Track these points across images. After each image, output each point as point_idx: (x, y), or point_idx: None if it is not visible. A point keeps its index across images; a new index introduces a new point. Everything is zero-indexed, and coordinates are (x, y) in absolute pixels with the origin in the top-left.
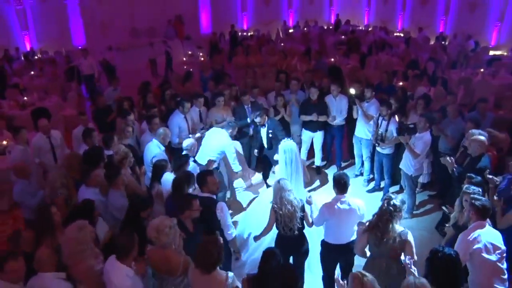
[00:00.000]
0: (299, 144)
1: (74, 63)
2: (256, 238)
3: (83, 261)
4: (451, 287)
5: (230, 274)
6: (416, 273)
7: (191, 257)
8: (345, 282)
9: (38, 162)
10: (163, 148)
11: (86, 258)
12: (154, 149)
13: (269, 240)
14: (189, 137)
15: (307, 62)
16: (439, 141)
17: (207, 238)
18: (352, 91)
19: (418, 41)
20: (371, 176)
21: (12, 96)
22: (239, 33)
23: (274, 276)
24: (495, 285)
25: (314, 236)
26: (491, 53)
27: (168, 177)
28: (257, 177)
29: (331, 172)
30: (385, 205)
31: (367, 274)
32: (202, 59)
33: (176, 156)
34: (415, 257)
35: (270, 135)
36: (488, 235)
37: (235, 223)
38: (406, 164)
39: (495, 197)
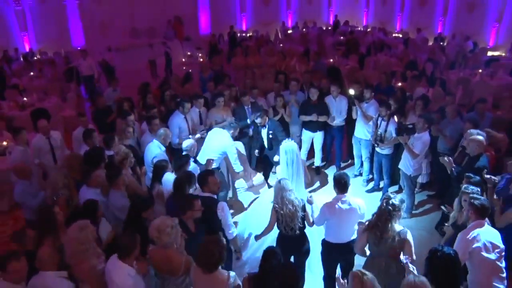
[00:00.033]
0: (299, 144)
1: (73, 63)
2: (257, 238)
3: (86, 261)
4: (451, 286)
5: (232, 273)
6: (415, 272)
7: (193, 257)
8: (346, 281)
9: (38, 163)
10: (163, 148)
11: (88, 258)
12: (155, 150)
13: (270, 240)
14: (189, 138)
15: (306, 63)
16: (438, 142)
17: (209, 238)
18: (352, 91)
19: (416, 42)
20: (370, 176)
21: (12, 97)
22: (238, 34)
23: (275, 275)
24: (494, 284)
25: (315, 236)
26: (489, 53)
27: (169, 177)
28: (259, 177)
29: (330, 172)
30: (384, 204)
31: (367, 272)
32: (201, 60)
33: (177, 156)
34: (414, 257)
35: (271, 136)
36: (487, 234)
37: (235, 223)
38: (405, 164)
39: (494, 197)
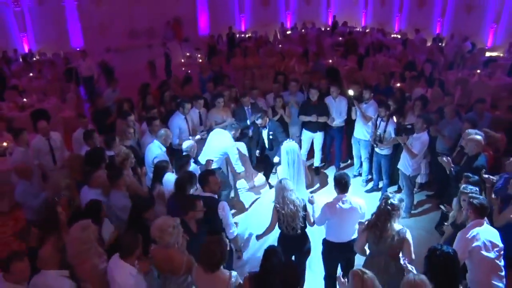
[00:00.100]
0: (298, 145)
1: (73, 64)
2: (259, 238)
3: (87, 260)
4: (450, 285)
5: (234, 273)
6: (414, 271)
7: (195, 257)
8: (346, 280)
9: (37, 164)
10: (164, 149)
11: (90, 257)
12: (156, 150)
13: (271, 239)
14: (189, 139)
15: (305, 64)
16: (437, 142)
17: (211, 238)
18: (351, 92)
19: (415, 43)
20: (370, 176)
21: (11, 98)
22: (237, 35)
23: (276, 274)
24: (493, 282)
25: (315, 236)
26: (488, 54)
27: (170, 177)
28: (260, 178)
29: (330, 172)
30: (383, 204)
31: (367, 271)
32: (200, 60)
33: (177, 156)
34: (413, 256)
35: (271, 137)
36: (486, 233)
37: (236, 224)
38: (404, 164)
39: (493, 196)
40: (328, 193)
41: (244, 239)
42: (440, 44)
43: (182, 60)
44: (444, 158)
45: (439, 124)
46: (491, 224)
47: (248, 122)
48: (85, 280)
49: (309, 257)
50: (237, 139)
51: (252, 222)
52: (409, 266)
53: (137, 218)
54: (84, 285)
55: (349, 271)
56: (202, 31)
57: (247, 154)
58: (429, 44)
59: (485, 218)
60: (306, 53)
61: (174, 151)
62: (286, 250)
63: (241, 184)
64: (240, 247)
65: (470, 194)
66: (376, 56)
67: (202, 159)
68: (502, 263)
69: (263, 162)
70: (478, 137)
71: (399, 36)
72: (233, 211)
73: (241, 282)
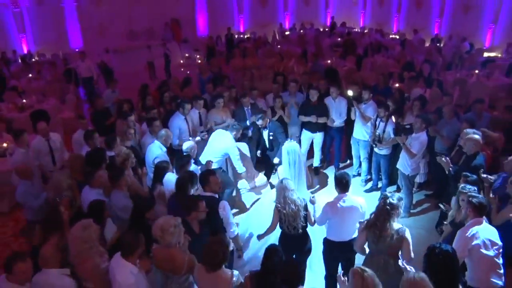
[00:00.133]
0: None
1: (72, 65)
2: (260, 237)
3: (89, 260)
4: (449, 283)
5: (235, 272)
6: (413, 271)
7: (197, 257)
8: (346, 278)
9: (37, 164)
10: (165, 149)
11: (92, 256)
12: (156, 150)
13: (273, 239)
14: (189, 140)
15: (304, 64)
16: (435, 142)
17: (213, 239)
18: (350, 93)
19: (413, 43)
20: (369, 176)
21: (11, 99)
22: (236, 36)
23: (277, 273)
24: (492, 280)
25: (315, 235)
26: (486, 54)
27: (170, 177)
28: (261, 178)
29: (329, 172)
30: (382, 204)
31: (367, 269)
32: (199, 61)
33: (178, 156)
34: (412, 254)
35: (271, 137)
36: (485, 232)
37: (237, 224)
38: (403, 164)
39: (491, 195)
40: (328, 193)
41: (245, 240)
42: (438, 44)
43: (181, 61)
44: (443, 158)
45: (438, 124)
46: (490, 223)
47: (248, 123)
48: (86, 279)
49: (310, 256)
50: (238, 139)
51: (253, 222)
52: (408, 267)
53: (138, 218)
54: (86, 284)
55: (349, 270)
56: (201, 32)
57: (249, 155)
58: (427, 44)
59: (484, 217)
60: (305, 53)
61: (174, 152)
62: (287, 250)
63: (243, 184)
64: (240, 246)
65: (469, 193)
66: (375, 56)
67: (203, 159)
68: (501, 261)
69: (264, 162)
70: (476, 136)
71: (397, 37)
72: (234, 211)
73: (243, 281)
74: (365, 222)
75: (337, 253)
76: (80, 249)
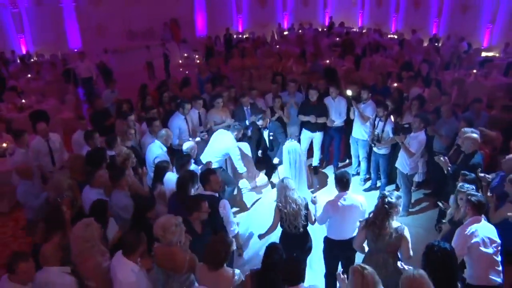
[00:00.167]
0: None
1: (71, 65)
2: (261, 237)
3: (91, 258)
4: (448, 281)
5: (237, 271)
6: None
7: (200, 257)
8: (345, 276)
9: (37, 165)
10: (165, 149)
11: (94, 255)
12: (156, 150)
13: (273, 238)
14: (189, 140)
15: (303, 64)
16: (434, 141)
17: (216, 237)
18: (349, 92)
19: (411, 43)
20: (368, 176)
21: (10, 99)
22: (235, 36)
23: (277, 270)
24: (491, 277)
25: (315, 234)
26: (483, 54)
27: (171, 176)
28: (262, 178)
29: (328, 172)
30: (381, 203)
31: (366, 266)
32: (198, 61)
33: (178, 156)
34: (411, 252)
35: (271, 138)
36: (484, 230)
37: (238, 224)
38: (402, 163)
39: (488, 194)
40: (327, 192)
41: (245, 239)
42: (436, 44)
43: (180, 61)
44: (441, 158)
45: (436, 123)
46: (488, 221)
47: (247, 122)
48: (88, 278)
49: (310, 255)
50: (239, 140)
51: (254, 221)
52: (406, 267)
53: (140, 217)
54: (88, 283)
55: (349, 268)
56: (199, 32)
57: (250, 155)
58: (425, 44)
59: (483, 215)
60: (304, 53)
61: (174, 151)
62: (288, 248)
63: (243, 184)
64: (240, 245)
65: (468, 192)
66: (373, 56)
67: (204, 158)
68: (499, 258)
69: (265, 162)
70: (475, 135)
71: (395, 37)
72: (235, 210)
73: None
74: (364, 221)
75: (337, 251)
76: (82, 248)
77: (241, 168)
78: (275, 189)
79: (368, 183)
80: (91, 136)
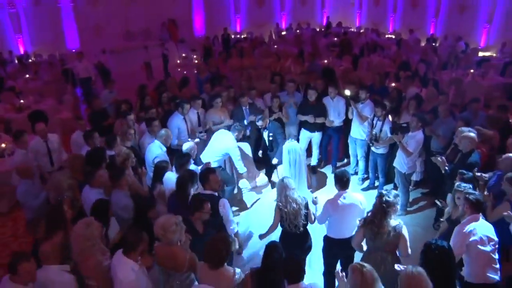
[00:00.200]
0: None
1: (69, 65)
2: (262, 237)
3: (91, 257)
4: (446, 279)
5: (238, 270)
6: None
7: (201, 257)
8: (344, 274)
9: (36, 165)
10: (164, 149)
11: (94, 254)
12: (156, 150)
13: (274, 237)
14: (189, 141)
15: (301, 64)
16: (431, 141)
17: (216, 236)
18: (347, 92)
19: (409, 43)
20: (366, 175)
21: (8, 99)
22: (233, 36)
23: (277, 269)
24: (488, 274)
25: (315, 233)
26: (481, 54)
27: (170, 176)
28: (262, 178)
29: (326, 171)
30: (379, 202)
31: (365, 264)
32: (196, 61)
33: (177, 155)
34: (409, 250)
35: (270, 138)
36: (482, 228)
37: (237, 223)
38: (400, 162)
39: (485, 193)
40: (326, 192)
41: (245, 238)
42: (434, 44)
43: (178, 61)
44: (439, 158)
45: (434, 123)
46: (485, 219)
47: (246, 122)
48: (89, 276)
49: (310, 254)
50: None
51: (254, 221)
52: (403, 268)
53: (141, 217)
54: (88, 281)
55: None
56: (197, 32)
57: (250, 155)
58: (423, 44)
59: (480, 214)
60: (302, 53)
61: (173, 151)
62: (288, 248)
63: (243, 184)
64: (240, 243)
65: (465, 191)
66: (371, 56)
67: (204, 158)
68: (497, 256)
69: (265, 162)
70: (472, 134)
71: (393, 37)
72: (234, 208)
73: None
74: (363, 219)
75: (337, 250)
76: (83, 246)
77: (241, 168)
78: (275, 189)
79: (366, 183)
80: (91, 136)
